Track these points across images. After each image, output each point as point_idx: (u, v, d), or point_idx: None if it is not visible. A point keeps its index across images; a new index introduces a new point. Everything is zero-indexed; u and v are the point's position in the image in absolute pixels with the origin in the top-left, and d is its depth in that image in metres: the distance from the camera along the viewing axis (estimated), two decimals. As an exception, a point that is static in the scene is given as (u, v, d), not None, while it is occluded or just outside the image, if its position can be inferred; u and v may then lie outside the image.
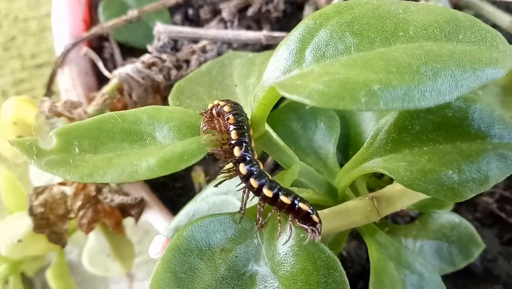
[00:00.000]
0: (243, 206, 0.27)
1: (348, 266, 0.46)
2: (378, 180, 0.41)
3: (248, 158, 0.27)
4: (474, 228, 0.40)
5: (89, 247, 0.48)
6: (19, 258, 0.46)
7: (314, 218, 0.26)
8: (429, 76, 0.24)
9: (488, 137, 0.30)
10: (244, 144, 0.27)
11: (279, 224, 0.26)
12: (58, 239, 0.43)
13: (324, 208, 0.33)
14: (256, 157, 0.28)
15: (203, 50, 0.48)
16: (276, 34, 0.48)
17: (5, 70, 0.93)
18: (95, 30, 0.47)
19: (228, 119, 0.27)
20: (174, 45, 0.47)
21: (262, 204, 0.27)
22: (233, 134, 0.27)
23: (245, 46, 0.50)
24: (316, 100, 0.23)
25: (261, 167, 0.28)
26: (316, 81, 0.24)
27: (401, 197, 0.33)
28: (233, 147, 0.27)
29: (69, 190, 0.43)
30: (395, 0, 0.29)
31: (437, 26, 0.26)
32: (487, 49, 0.26)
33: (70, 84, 0.46)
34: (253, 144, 0.28)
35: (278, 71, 0.28)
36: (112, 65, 0.51)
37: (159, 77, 0.43)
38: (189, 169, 0.50)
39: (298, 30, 0.28)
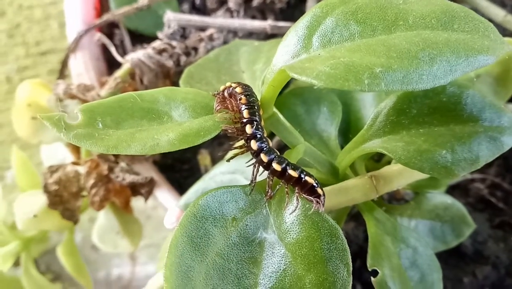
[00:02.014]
0: (253, 179, 0.29)
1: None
2: (376, 164, 0.43)
3: (258, 135, 0.29)
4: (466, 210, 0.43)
5: (99, 225, 0.50)
6: (32, 234, 0.49)
7: (319, 190, 0.28)
8: (426, 61, 0.26)
9: (480, 121, 0.32)
10: (255, 122, 0.29)
11: (287, 196, 0.29)
12: (71, 215, 0.45)
13: (326, 186, 0.36)
14: (266, 135, 0.30)
15: (211, 38, 0.50)
16: (281, 24, 0.50)
17: (10, 57, 0.95)
18: (107, 17, 0.49)
19: (240, 99, 0.30)
20: (183, 33, 0.50)
21: (271, 178, 0.29)
22: (245, 113, 0.29)
23: (250, 35, 0.52)
24: (323, 81, 0.26)
25: (270, 144, 0.30)
26: (323, 64, 0.26)
27: (398, 176, 0.35)
28: (245, 125, 0.29)
29: (82, 169, 0.45)
30: (396, -8, 0.31)
31: (434, 16, 0.29)
32: (479, 38, 0.28)
33: (82, 68, 0.48)
34: (263, 123, 0.30)
35: (287, 55, 0.30)
36: (122, 52, 0.53)
37: (170, 63, 0.45)
38: (195, 152, 0.52)
39: (306, 18, 0.30)
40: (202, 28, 0.49)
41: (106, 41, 0.48)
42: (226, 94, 0.31)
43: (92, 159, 0.46)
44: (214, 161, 0.51)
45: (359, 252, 0.48)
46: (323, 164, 0.35)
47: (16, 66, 0.95)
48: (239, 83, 0.31)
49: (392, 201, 0.48)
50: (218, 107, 0.30)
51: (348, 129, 0.42)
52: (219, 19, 0.49)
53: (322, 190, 0.29)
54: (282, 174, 0.28)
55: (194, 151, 0.52)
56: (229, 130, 0.29)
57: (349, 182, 0.35)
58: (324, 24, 0.30)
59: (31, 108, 0.48)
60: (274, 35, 0.51)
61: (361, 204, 0.36)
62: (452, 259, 0.48)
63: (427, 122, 0.33)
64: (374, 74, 0.25)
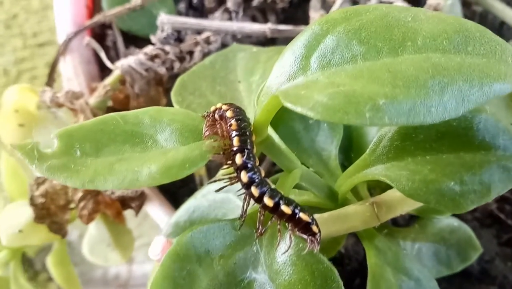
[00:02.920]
0: (243, 213, 0.27)
1: (345, 263, 0.46)
2: (379, 181, 0.41)
3: (249, 165, 0.27)
4: (472, 229, 0.41)
5: (90, 236, 0.48)
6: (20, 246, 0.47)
7: (314, 228, 0.26)
8: (435, 91, 0.23)
9: (492, 149, 0.30)
10: (246, 151, 0.27)
11: (279, 233, 0.26)
12: (59, 229, 0.43)
13: (324, 211, 0.33)
14: (257, 164, 0.27)
15: (207, 41, 0.47)
16: (282, 27, 0.47)
17: (7, 48, 0.92)
18: (97, 18, 0.46)
19: (230, 125, 0.27)
20: (178, 35, 0.47)
21: (263, 212, 0.27)
22: (235, 141, 0.27)
23: (249, 36, 0.49)
24: (320, 114, 0.23)
25: (263, 174, 0.27)
26: (320, 93, 0.24)
27: (402, 202, 0.33)
28: (235, 154, 0.27)
29: (70, 181, 0.43)
30: (404, 7, 0.28)
31: (446, 37, 0.26)
32: (495, 62, 0.25)
33: (72, 73, 0.46)
34: (255, 150, 0.28)
35: (283, 77, 0.27)
36: (114, 53, 0.50)
37: (162, 70, 0.43)
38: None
39: (304, 36, 0.27)
40: (199, 31, 0.47)
41: (96, 45, 0.45)
42: (216, 116, 0.29)
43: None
44: (210, 171, 0.49)
45: (359, 270, 0.46)
46: (321, 188, 0.33)
47: (13, 58, 0.93)
48: (230, 106, 0.29)
49: (397, 218, 0.46)
50: (207, 133, 0.28)
51: (350, 146, 0.39)
52: (216, 22, 0.46)
53: (317, 227, 0.26)
54: (275, 210, 0.26)
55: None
56: (218, 160, 0.27)
57: (348, 208, 0.33)
58: (324, 43, 0.27)
59: (19, 115, 0.46)
60: (275, 39, 0.48)
61: (361, 230, 0.34)
62: (456, 278, 0.46)
63: (435, 148, 0.30)
64: (377, 107, 0.23)
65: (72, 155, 0.26)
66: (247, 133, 0.27)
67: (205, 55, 0.47)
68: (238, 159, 0.26)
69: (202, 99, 0.38)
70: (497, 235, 0.49)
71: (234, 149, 0.27)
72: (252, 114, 0.36)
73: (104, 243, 0.47)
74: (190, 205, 0.39)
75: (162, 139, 0.29)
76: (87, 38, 0.44)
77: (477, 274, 0.46)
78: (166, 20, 0.45)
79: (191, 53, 0.47)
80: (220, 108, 0.29)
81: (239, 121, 0.27)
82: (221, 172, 0.28)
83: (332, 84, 0.24)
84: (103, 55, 0.44)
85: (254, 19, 0.52)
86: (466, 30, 0.26)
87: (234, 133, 0.27)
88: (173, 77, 0.46)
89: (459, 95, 0.24)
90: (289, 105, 0.24)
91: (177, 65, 0.44)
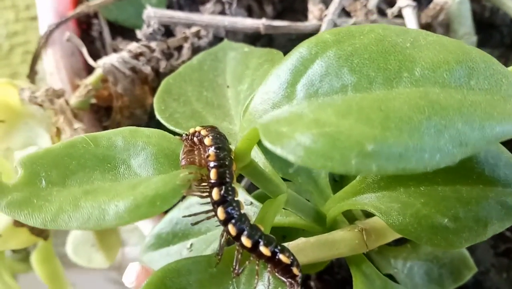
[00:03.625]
0: (219, 250, 0.25)
1: (335, 272, 0.45)
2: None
3: (227, 200, 0.25)
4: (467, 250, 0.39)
5: (74, 236, 0.47)
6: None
7: (295, 270, 0.24)
8: (431, 135, 0.21)
9: (492, 183, 0.28)
10: (224, 186, 0.25)
11: (257, 275, 0.25)
12: (41, 231, 0.42)
13: (310, 234, 0.32)
14: (237, 197, 0.25)
15: (197, 35, 0.44)
16: (276, 23, 0.44)
17: (-1, 21, 0.89)
18: (81, 9, 0.44)
19: (208, 156, 0.25)
20: (166, 30, 0.44)
21: (240, 250, 0.25)
22: (213, 174, 0.25)
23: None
24: (300, 158, 0.21)
25: (242, 208, 0.26)
26: (303, 132, 0.22)
27: (392, 230, 0.31)
28: (212, 188, 0.25)
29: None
30: (403, 29, 0.25)
31: (447, 69, 0.23)
32: (500, 100, 0.23)
33: (53, 67, 0.43)
34: (234, 181, 0.26)
35: (267, 104, 0.25)
36: (100, 45, 0.47)
37: (147, 69, 0.40)
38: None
39: (291, 60, 0.25)
40: (188, 25, 0.44)
41: (77, 41, 0.42)
42: (195, 139, 0.27)
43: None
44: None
45: (349, 279, 0.45)
46: (308, 212, 0.31)
47: (5, 31, 0.90)
48: (209, 131, 0.26)
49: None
50: (183, 162, 0.26)
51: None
52: (207, 16, 0.43)
53: (298, 268, 0.25)
54: (253, 250, 0.24)
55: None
56: (194, 194, 0.25)
57: (336, 234, 0.31)
58: (312, 69, 0.25)
59: (0, 111, 0.43)
60: (269, 35, 0.45)
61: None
62: (449, 291, 0.45)
63: (430, 179, 0.28)
64: (364, 153, 0.21)
65: (36, 186, 0.24)
66: (227, 163, 0.25)
67: (194, 50, 0.45)
68: (216, 194, 0.24)
69: (186, 107, 0.35)
70: (494, 245, 0.47)
71: (212, 182, 0.25)
72: (238, 125, 0.34)
73: (88, 243, 0.46)
74: (173, 216, 0.37)
75: (136, 165, 0.27)
76: (67, 34, 0.42)
77: (471, 286, 0.45)
78: (152, 14, 0.42)
79: (180, 48, 0.44)
80: (199, 132, 0.27)
81: (218, 151, 0.25)
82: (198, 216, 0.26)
83: (317, 121, 0.22)
84: (85, 51, 0.42)
85: (249, 10, 0.49)
86: (470, 60, 0.24)
87: (212, 164, 0.25)
88: (160, 74, 0.43)
89: (456, 139, 0.21)
90: (268, 145, 0.22)
91: (163, 64, 0.41)
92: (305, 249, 0.31)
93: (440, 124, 0.21)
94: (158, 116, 0.34)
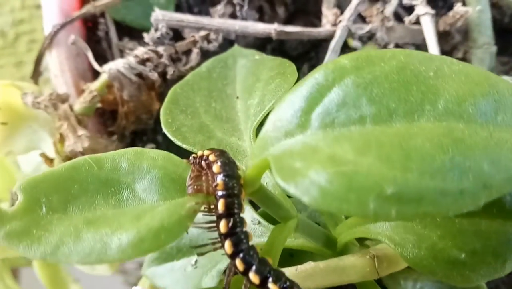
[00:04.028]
0: (226, 286, 0.24)
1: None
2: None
3: (236, 233, 0.24)
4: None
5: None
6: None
7: (303, 307, 0.23)
8: (454, 177, 0.20)
9: (513, 217, 0.26)
10: (232, 217, 0.24)
11: (264, 311, 0.24)
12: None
13: (319, 256, 0.31)
14: (245, 228, 0.24)
15: (207, 39, 0.43)
16: (289, 28, 0.42)
17: (4, 8, 0.87)
18: (86, 9, 0.42)
19: (216, 185, 0.24)
20: (174, 32, 0.42)
21: (248, 285, 0.24)
22: (221, 205, 0.24)
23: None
24: (315, 200, 0.20)
25: (251, 238, 0.24)
26: (318, 170, 0.20)
27: (405, 258, 0.30)
28: (220, 219, 0.24)
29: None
30: (426, 56, 0.24)
31: (472, 102, 0.22)
32: (529, 138, 0.22)
33: (58, 69, 0.42)
34: (243, 210, 0.25)
35: (279, 132, 0.24)
36: (107, 45, 0.46)
37: (154, 75, 0.39)
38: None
39: (306, 86, 0.24)
40: (197, 29, 0.42)
41: (82, 44, 0.41)
42: (203, 163, 0.26)
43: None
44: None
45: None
46: (318, 237, 0.30)
47: (11, 19, 0.88)
48: (218, 156, 0.25)
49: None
50: (191, 189, 0.25)
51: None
52: (216, 20, 0.42)
53: (308, 306, 0.24)
54: (261, 286, 0.23)
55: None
56: (201, 227, 0.24)
57: (346, 260, 0.30)
58: (328, 97, 0.23)
59: (2, 112, 0.42)
60: (282, 40, 0.44)
61: (359, 281, 0.31)
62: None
63: (447, 210, 0.27)
64: (383, 196, 0.19)
65: (36, 213, 0.23)
66: (236, 192, 0.24)
67: (203, 53, 0.43)
68: (223, 227, 0.23)
69: (194, 120, 0.34)
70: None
71: (219, 213, 0.24)
72: (247, 141, 0.33)
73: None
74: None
75: (140, 190, 0.26)
76: (72, 37, 0.40)
77: (480, 303, 0.44)
78: (161, 17, 0.40)
79: (189, 51, 0.42)
80: (207, 156, 0.26)
81: (226, 179, 0.24)
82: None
83: (333, 158, 0.21)
84: (90, 55, 0.40)
85: (260, 11, 0.48)
86: (497, 92, 0.22)
87: (220, 193, 0.24)
88: (167, 80, 0.42)
89: (481, 181, 0.20)
90: (281, 183, 0.20)
91: (170, 70, 0.40)
92: (314, 275, 0.30)
93: (464, 165, 0.20)
94: (165, 130, 0.33)
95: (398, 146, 0.21)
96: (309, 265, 0.30)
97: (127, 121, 0.42)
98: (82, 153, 0.39)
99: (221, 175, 0.24)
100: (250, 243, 0.24)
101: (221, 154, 0.25)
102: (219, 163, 0.25)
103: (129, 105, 0.40)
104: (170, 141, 0.32)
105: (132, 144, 0.45)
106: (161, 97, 0.42)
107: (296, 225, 0.28)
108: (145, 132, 0.46)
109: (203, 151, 0.26)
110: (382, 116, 0.22)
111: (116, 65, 0.38)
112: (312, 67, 0.49)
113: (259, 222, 0.33)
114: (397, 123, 0.22)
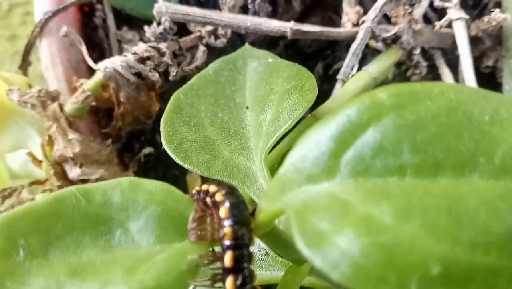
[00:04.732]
0: None
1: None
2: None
3: (245, 290, 0.20)
4: None
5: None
6: None
7: None
8: (507, 255, 0.16)
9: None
10: (241, 274, 0.20)
11: None
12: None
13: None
14: (255, 281, 0.21)
15: (214, 34, 0.39)
16: (306, 28, 0.38)
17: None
18: (81, -5, 0.38)
19: (224, 235, 0.20)
20: (178, 28, 0.38)
21: None
22: (228, 259, 0.20)
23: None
24: (346, 277, 0.16)
25: (260, 293, 0.21)
26: (350, 238, 0.17)
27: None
28: (227, 275, 0.20)
29: (41, 197, 0.37)
30: (480, 94, 0.20)
31: (537, 157, 0.18)
32: None
33: (49, 62, 0.38)
34: (253, 262, 0.21)
35: (301, 174, 0.20)
36: (103, 34, 0.42)
37: (155, 76, 0.35)
38: (184, 170, 0.43)
39: (335, 123, 0.20)
40: (204, 24, 0.38)
41: (76, 37, 0.37)
42: (208, 200, 0.22)
43: (56, 173, 0.37)
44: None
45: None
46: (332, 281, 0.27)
47: (3, -12, 0.83)
48: (226, 195, 0.22)
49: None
50: (193, 236, 0.21)
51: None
52: (226, 14, 0.37)
53: None
54: None
55: (182, 168, 0.43)
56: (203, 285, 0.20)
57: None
58: (363, 139, 0.19)
59: (-13, 106, 0.38)
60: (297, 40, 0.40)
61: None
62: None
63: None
64: (429, 277, 0.16)
65: (12, 259, 0.20)
66: (246, 242, 0.21)
67: (210, 50, 0.39)
68: (230, 285, 0.20)
69: (198, 134, 0.30)
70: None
71: (226, 268, 0.20)
72: (258, 164, 0.29)
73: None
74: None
75: (135, 230, 0.22)
76: (64, 28, 0.36)
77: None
78: (164, 10, 0.36)
79: (193, 48, 0.38)
80: (213, 193, 0.22)
81: (236, 227, 0.21)
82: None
83: (368, 221, 0.17)
84: (84, 49, 0.36)
85: (274, 3, 0.43)
86: None
87: (227, 243, 0.20)
88: (169, 80, 0.38)
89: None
90: (305, 250, 0.17)
91: (173, 70, 0.36)
92: (324, 318, 0.27)
93: (524, 240, 0.17)
94: (164, 145, 0.29)
95: (446, 211, 0.17)
96: (320, 308, 0.27)
97: (123, 122, 0.38)
98: (72, 158, 0.35)
99: (230, 220, 0.21)
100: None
101: (230, 192, 0.22)
102: (227, 205, 0.21)
103: (126, 106, 0.36)
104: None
105: (128, 145, 0.42)
106: (161, 98, 0.39)
107: (310, 268, 0.25)
108: (143, 132, 0.42)
109: (209, 185, 0.23)
110: (426, 169, 0.19)
111: (113, 63, 0.34)
112: (327, 66, 0.45)
113: (266, 253, 0.29)
114: (444, 178, 0.18)
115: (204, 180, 0.43)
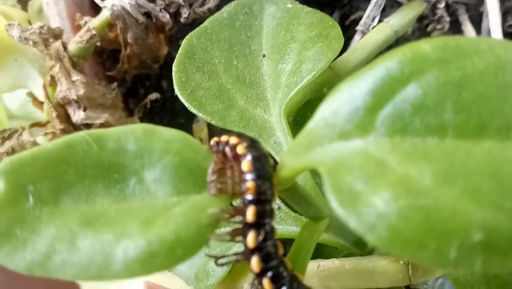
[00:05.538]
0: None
1: None
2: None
3: (265, 247, 0.19)
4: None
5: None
6: None
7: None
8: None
9: None
10: (262, 228, 0.19)
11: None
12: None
13: (348, 257, 0.27)
14: (275, 240, 0.20)
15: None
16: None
17: None
18: None
19: (247, 189, 0.19)
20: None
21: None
22: (251, 214, 0.19)
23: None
24: (382, 240, 0.15)
25: (281, 250, 0.20)
26: (387, 199, 0.16)
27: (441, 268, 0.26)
28: (248, 230, 0.19)
29: (42, 139, 0.35)
30: (532, 51, 0.19)
31: None
32: None
33: (50, -5, 0.35)
34: (274, 217, 0.20)
35: (332, 130, 0.19)
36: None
37: (165, 17, 0.33)
38: (190, 118, 0.42)
39: (372, 76, 0.18)
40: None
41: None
42: (228, 151, 0.21)
43: (59, 116, 0.36)
44: (212, 135, 0.41)
45: None
46: (348, 238, 0.26)
47: None
48: (248, 148, 0.20)
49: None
50: (213, 190, 0.20)
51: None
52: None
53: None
54: (291, 311, 0.20)
55: (189, 116, 0.42)
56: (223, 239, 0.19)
57: (378, 263, 0.26)
58: (402, 95, 0.18)
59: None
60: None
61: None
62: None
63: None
64: (469, 245, 0.15)
65: (21, 205, 0.19)
66: (268, 197, 0.20)
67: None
68: (252, 240, 0.19)
69: (212, 82, 0.29)
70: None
71: (248, 223, 0.19)
72: (275, 116, 0.28)
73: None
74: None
75: (150, 179, 0.21)
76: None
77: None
78: None
79: (207, -12, 0.36)
80: (235, 145, 0.21)
81: (259, 181, 0.19)
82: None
83: (407, 183, 0.16)
84: (90, -16, 0.34)
85: None
86: None
87: (250, 198, 0.19)
88: (179, 22, 0.36)
89: None
90: (340, 211, 0.16)
91: (185, 11, 0.33)
92: (338, 275, 0.27)
93: None
94: (177, 92, 0.28)
95: (490, 175, 0.16)
96: (333, 263, 0.27)
97: (129, 65, 0.36)
98: (76, 101, 0.33)
99: (253, 174, 0.20)
100: (280, 256, 0.20)
101: (252, 145, 0.21)
102: (249, 158, 0.20)
103: (133, 48, 0.34)
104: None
105: (132, 89, 0.40)
106: (170, 41, 0.36)
107: (327, 225, 0.24)
108: (149, 77, 0.40)
109: (230, 136, 0.21)
110: (469, 130, 0.17)
111: (121, 1, 0.31)
112: (344, 16, 0.43)
113: (279, 207, 0.29)
114: (488, 141, 0.17)
115: (211, 129, 0.42)
